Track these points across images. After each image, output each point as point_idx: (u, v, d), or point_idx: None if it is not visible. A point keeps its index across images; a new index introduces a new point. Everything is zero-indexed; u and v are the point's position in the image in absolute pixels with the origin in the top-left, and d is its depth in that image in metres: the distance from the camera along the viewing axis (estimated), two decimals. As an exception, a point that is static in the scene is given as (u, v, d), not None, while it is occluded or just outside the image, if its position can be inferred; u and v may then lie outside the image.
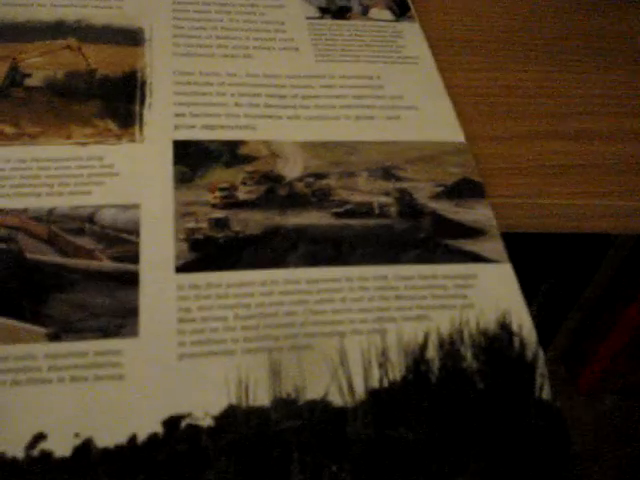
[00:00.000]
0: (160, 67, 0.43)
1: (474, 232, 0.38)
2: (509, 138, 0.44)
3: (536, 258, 0.63)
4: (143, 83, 0.42)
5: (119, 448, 0.27)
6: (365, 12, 0.50)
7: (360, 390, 0.29)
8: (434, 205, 0.38)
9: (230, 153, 0.39)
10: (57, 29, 0.45)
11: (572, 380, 1.01)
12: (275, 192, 0.38)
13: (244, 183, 0.38)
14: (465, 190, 0.40)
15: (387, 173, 0.40)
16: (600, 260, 0.65)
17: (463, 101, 0.45)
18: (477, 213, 0.38)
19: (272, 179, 0.39)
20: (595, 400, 1.02)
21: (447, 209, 0.38)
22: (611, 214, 0.42)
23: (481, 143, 0.43)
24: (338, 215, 0.37)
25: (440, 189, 0.40)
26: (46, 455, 0.27)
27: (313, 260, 0.35)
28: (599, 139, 0.45)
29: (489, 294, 0.34)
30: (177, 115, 0.41)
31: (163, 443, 0.27)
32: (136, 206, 0.36)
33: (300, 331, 0.31)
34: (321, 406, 0.27)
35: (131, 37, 0.45)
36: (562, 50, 0.52)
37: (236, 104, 0.42)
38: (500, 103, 0.46)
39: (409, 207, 0.38)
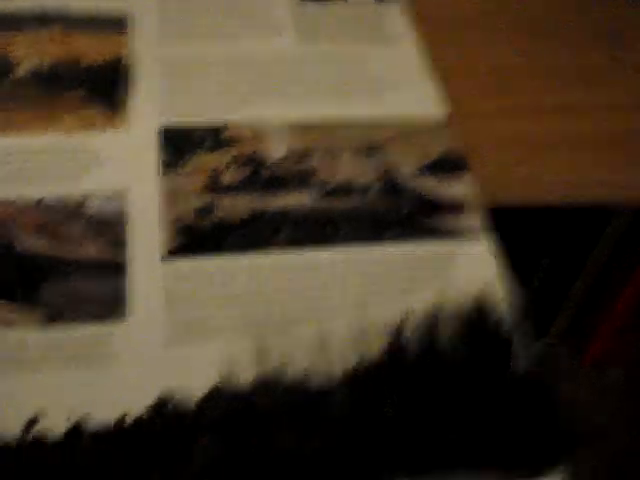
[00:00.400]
0: (145, 53, 0.44)
1: (454, 208, 0.38)
2: (496, 113, 0.45)
3: (536, 234, 0.64)
4: (128, 70, 0.43)
5: (109, 429, 0.28)
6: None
7: (339, 372, 0.30)
8: (416, 182, 0.39)
9: (214, 138, 0.40)
10: (39, 18, 0.45)
11: (577, 355, 1.02)
12: (259, 174, 0.39)
13: (228, 167, 0.39)
14: (447, 165, 0.40)
15: (369, 151, 0.41)
16: (599, 235, 0.66)
17: (451, 77, 0.46)
18: (459, 189, 0.39)
19: (256, 161, 0.39)
20: (601, 374, 1.03)
21: (429, 186, 0.39)
22: (603, 185, 0.42)
23: (470, 119, 0.44)
24: (321, 196, 0.38)
25: (422, 164, 0.40)
26: (40, 438, 0.28)
27: (297, 243, 0.35)
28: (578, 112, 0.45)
29: (467, 272, 0.34)
30: (162, 101, 0.41)
31: (151, 423, 0.28)
32: (123, 194, 0.36)
33: (283, 316, 0.32)
34: (302, 388, 0.28)
35: (116, 23, 0.45)
36: (546, 25, 0.52)
37: (220, 88, 0.43)
38: (488, 81, 0.47)
39: (391, 185, 0.39)
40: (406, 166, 0.40)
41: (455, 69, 0.46)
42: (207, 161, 0.39)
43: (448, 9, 0.52)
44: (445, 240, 0.36)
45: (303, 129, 0.41)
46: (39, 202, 0.36)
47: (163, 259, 0.34)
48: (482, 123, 0.44)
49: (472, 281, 0.34)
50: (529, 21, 0.52)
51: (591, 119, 0.45)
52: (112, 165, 0.38)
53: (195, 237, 0.35)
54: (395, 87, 0.44)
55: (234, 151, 0.39)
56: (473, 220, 0.37)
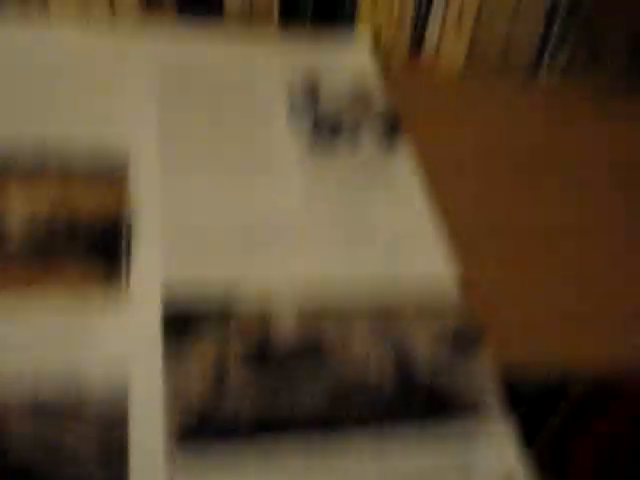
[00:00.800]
0: (146, 206, 0.42)
1: (471, 408, 0.37)
2: (502, 269, 0.44)
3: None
4: (129, 229, 0.41)
5: None
6: (355, 132, 0.49)
7: None
8: (432, 372, 0.38)
9: (221, 314, 0.38)
10: (39, 156, 0.43)
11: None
12: (268, 366, 0.37)
13: (235, 357, 0.37)
14: (463, 340, 0.39)
15: (384, 332, 0.39)
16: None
17: (456, 231, 0.45)
18: (476, 376, 0.38)
19: (264, 347, 0.38)
20: None
21: (444, 372, 0.38)
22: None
23: (476, 275, 0.43)
24: (334, 392, 0.37)
25: (437, 344, 0.39)
26: None
27: (306, 448, 0.34)
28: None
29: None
30: (164, 268, 0.40)
31: None
32: (123, 390, 0.35)
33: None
34: None
35: (116, 165, 0.44)
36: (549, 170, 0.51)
37: (224, 248, 0.41)
38: (491, 232, 0.46)
39: (405, 375, 0.38)
40: (421, 340, 0.39)
41: (465, 223, 0.46)
42: (213, 348, 0.37)
43: (447, 152, 0.51)
44: (460, 450, 0.35)
45: (314, 298, 0.40)
46: (34, 403, 0.34)
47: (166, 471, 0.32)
48: (495, 286, 0.43)
49: None
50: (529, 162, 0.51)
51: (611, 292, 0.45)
52: (112, 353, 0.36)
53: (201, 445, 0.34)
54: (407, 245, 0.43)
55: (242, 332, 0.38)
56: (491, 424, 0.36)
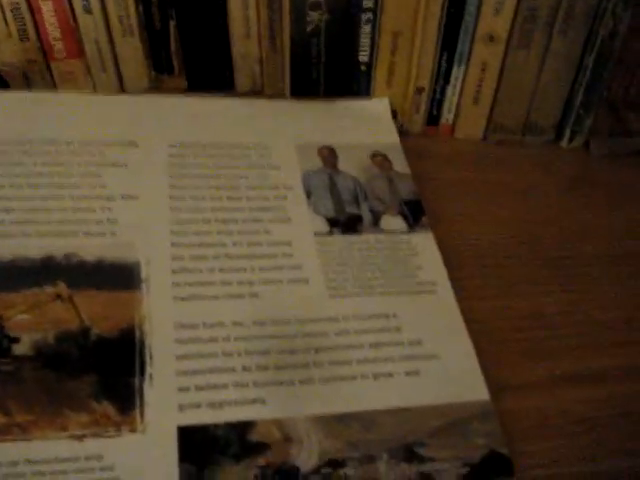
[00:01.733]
0: (160, 320, 0.40)
1: None
2: (532, 385, 0.41)
3: None
4: (142, 345, 0.39)
5: None
6: (376, 221, 0.47)
7: None
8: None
9: (239, 441, 0.36)
10: (45, 269, 0.41)
11: None
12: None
13: (256, 484, 0.35)
14: (492, 469, 0.37)
15: (408, 452, 0.37)
16: None
17: (480, 338, 0.42)
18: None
19: (286, 474, 0.36)
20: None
21: None
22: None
23: (503, 394, 0.40)
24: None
25: (466, 470, 0.37)
26: None
27: None
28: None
29: None
30: (180, 390, 0.38)
31: None
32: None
33: None
34: None
35: (127, 276, 0.42)
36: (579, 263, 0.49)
37: (244, 368, 0.39)
38: (519, 338, 0.43)
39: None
40: (448, 472, 0.36)
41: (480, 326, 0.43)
42: (232, 476, 0.35)
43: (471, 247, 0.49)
44: None
45: (336, 424, 0.38)
46: None
47: None
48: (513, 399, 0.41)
49: None
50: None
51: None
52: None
53: None
54: (434, 357, 0.41)
55: (262, 459, 0.36)
56: None
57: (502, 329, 0.43)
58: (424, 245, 0.46)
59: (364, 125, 0.55)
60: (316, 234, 0.46)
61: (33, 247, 0.42)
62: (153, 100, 0.53)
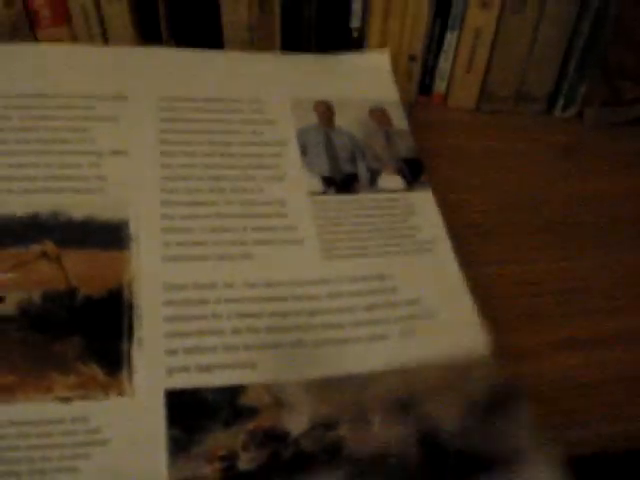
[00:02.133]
0: (148, 280, 0.39)
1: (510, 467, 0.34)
2: (529, 350, 0.41)
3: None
4: (130, 307, 0.38)
5: None
6: (374, 179, 0.46)
7: None
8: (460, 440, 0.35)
9: (229, 405, 0.35)
10: (31, 227, 0.40)
11: None
12: (279, 455, 0.34)
13: (245, 448, 0.34)
14: (501, 400, 0.36)
15: (405, 410, 0.36)
16: None
17: (483, 299, 0.41)
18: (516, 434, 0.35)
19: (276, 438, 0.35)
20: None
21: (477, 435, 0.35)
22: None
23: (499, 360, 0.40)
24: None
25: (469, 408, 0.36)
26: None
27: None
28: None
29: None
30: (169, 352, 0.37)
31: None
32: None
33: None
34: None
35: (115, 235, 0.40)
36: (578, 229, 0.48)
37: (234, 331, 0.38)
38: (516, 304, 0.42)
39: (431, 449, 0.35)
40: (448, 420, 0.36)
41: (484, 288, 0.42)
42: (222, 440, 0.34)
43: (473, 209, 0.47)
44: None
45: (328, 387, 0.37)
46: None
47: None
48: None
49: None
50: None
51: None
52: (115, 446, 0.33)
53: None
54: (431, 316, 0.40)
55: (251, 424, 0.35)
56: None
57: (499, 295, 0.42)
58: (423, 204, 0.45)
59: (363, 79, 0.53)
60: (311, 193, 0.44)
61: (18, 204, 0.41)
62: (141, 52, 0.51)
